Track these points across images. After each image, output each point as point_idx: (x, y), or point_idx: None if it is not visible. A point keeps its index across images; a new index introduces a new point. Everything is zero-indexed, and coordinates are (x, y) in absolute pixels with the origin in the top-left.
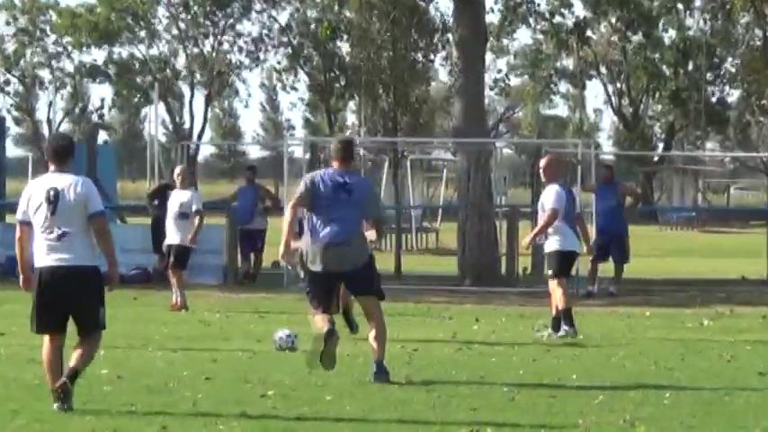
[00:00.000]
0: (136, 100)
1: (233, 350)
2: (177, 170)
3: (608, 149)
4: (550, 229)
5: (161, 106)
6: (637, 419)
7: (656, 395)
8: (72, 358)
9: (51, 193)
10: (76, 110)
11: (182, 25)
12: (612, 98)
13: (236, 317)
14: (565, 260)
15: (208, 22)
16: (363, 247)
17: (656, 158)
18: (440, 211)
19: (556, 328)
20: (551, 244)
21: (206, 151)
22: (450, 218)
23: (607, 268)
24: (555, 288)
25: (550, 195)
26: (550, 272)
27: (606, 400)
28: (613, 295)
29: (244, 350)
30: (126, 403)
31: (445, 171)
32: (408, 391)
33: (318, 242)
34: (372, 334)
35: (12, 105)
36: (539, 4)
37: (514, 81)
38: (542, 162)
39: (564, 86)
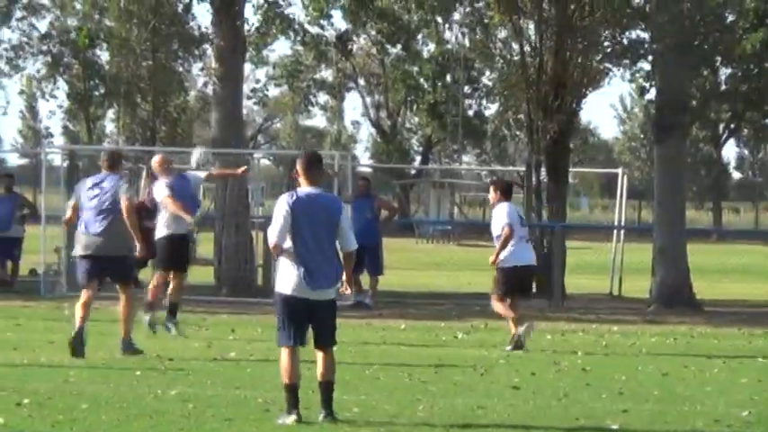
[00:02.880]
0: None
1: None
2: None
3: (365, 162)
4: None
5: None
6: None
7: (410, 408)
8: None
9: None
10: None
11: None
12: (371, 110)
13: None
14: None
15: None
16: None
17: (413, 171)
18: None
19: None
20: None
21: None
22: (206, 228)
23: (363, 281)
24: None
25: None
26: None
27: (360, 412)
28: (369, 308)
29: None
30: None
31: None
32: (164, 401)
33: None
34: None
35: None
36: (296, 16)
37: (273, 92)
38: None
39: (323, 98)
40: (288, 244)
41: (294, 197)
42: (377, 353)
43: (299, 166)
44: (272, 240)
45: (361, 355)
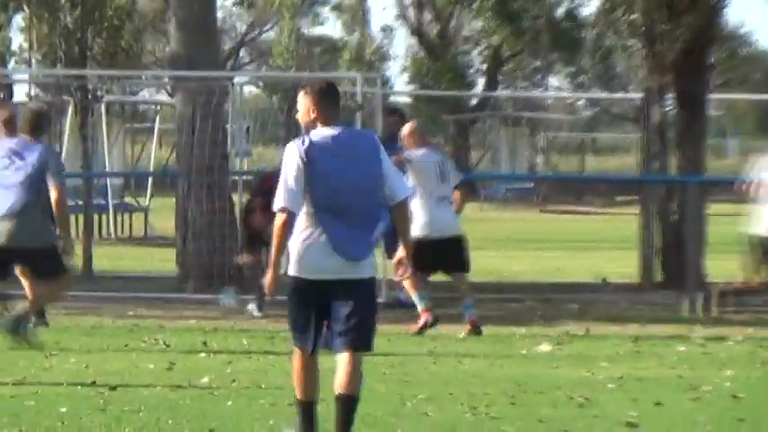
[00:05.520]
0: None
1: None
2: None
3: (402, 88)
4: None
5: None
6: None
7: None
8: None
9: None
10: None
11: None
12: (409, 10)
13: None
14: None
15: None
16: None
17: (474, 102)
18: (149, 180)
19: None
20: None
21: None
22: (165, 190)
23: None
24: None
25: None
26: None
27: None
28: (408, 307)
29: None
30: None
31: (158, 120)
32: None
33: None
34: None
35: None
36: None
37: None
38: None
39: None
40: (304, 210)
41: (307, 142)
42: (424, 375)
43: (305, 102)
44: (279, 205)
45: (400, 380)
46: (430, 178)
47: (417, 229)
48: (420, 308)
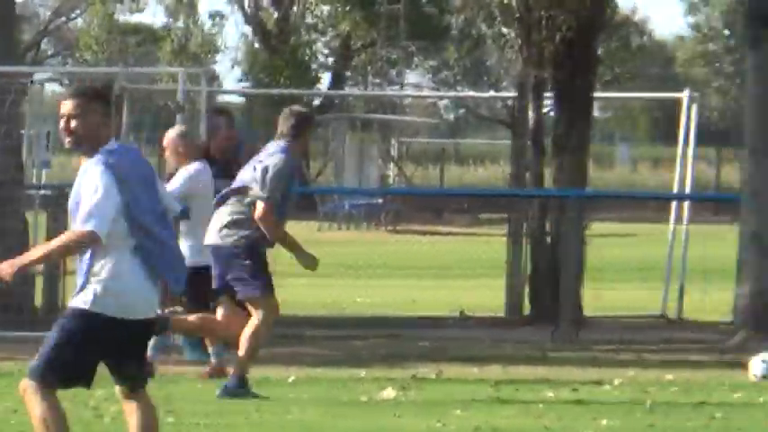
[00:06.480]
0: None
1: None
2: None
3: (233, 86)
4: None
5: None
6: None
7: None
8: None
9: None
10: None
11: None
12: None
13: None
14: None
15: None
16: None
17: (316, 101)
18: None
19: None
20: None
21: None
22: None
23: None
24: None
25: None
26: None
27: None
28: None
29: None
30: None
31: None
32: None
33: None
34: None
35: None
36: None
37: None
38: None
39: None
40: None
41: (110, 152)
42: (245, 428)
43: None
44: (89, 226)
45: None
46: (207, 198)
47: (193, 256)
48: (214, 361)
